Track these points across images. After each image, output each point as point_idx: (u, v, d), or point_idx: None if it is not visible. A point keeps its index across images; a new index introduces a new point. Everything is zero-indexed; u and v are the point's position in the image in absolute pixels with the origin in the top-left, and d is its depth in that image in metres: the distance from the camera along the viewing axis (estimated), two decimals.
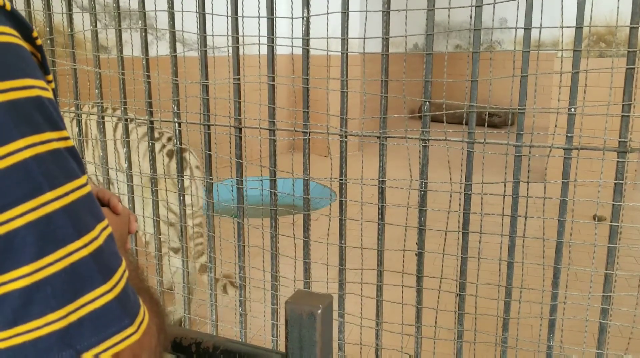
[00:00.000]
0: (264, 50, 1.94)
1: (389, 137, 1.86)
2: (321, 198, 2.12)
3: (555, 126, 1.72)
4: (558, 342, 1.82)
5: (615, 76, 1.68)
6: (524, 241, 1.78)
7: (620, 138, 1.58)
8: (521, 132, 1.69)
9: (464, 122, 1.78)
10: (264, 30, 1.92)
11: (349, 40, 1.83)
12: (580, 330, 1.83)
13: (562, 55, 1.67)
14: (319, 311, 0.68)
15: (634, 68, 1.53)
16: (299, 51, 2.04)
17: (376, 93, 1.83)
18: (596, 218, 2.07)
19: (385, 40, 1.76)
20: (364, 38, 1.76)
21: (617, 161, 1.59)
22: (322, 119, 2.50)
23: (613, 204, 1.62)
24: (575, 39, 1.57)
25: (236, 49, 1.98)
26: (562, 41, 1.91)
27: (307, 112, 1.92)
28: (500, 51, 10.27)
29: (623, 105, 1.56)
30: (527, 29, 1.60)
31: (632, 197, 4.95)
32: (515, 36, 2.06)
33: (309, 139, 1.94)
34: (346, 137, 1.90)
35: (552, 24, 7.42)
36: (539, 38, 1.62)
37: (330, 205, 4.40)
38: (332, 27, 2.24)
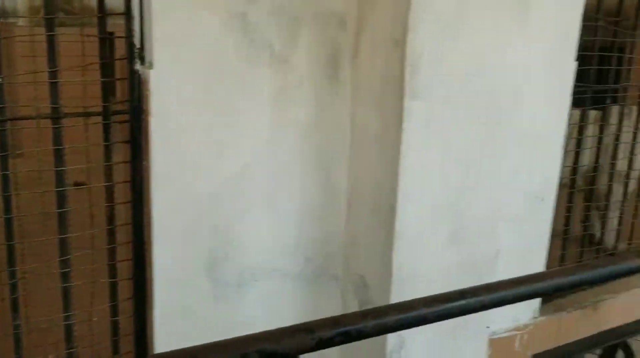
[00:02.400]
0: None
1: None
2: None
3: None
4: (24, 318, 1.75)
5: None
6: None
7: (52, 104, 1.58)
8: None
9: None
10: None
11: None
12: (45, 301, 1.81)
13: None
14: None
15: (54, 35, 1.52)
16: None
17: None
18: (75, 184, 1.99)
19: None
20: None
21: (54, 128, 1.59)
22: None
23: (55, 170, 1.62)
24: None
25: None
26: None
27: None
28: None
29: (49, 73, 1.55)
30: None
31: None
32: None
33: None
34: None
35: None
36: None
37: None
38: None
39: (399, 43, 1.60)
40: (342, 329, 0.87)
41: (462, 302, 0.97)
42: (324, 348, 0.83)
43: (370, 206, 1.88)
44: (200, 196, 1.79)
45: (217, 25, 1.64)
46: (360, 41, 1.82)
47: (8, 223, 1.63)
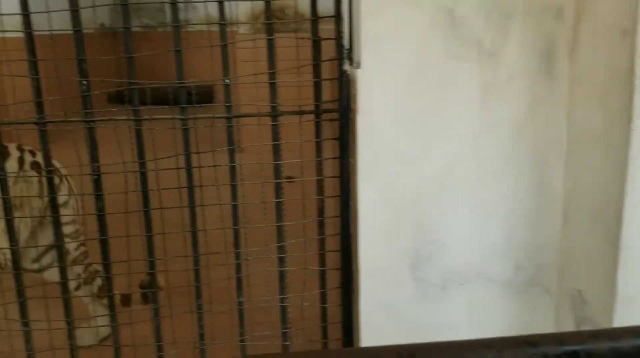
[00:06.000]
0: None
1: (48, 122, 1.72)
2: None
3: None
4: (246, 297, 1.96)
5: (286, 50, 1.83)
6: (203, 210, 1.85)
7: (271, 103, 1.74)
8: (184, 106, 1.73)
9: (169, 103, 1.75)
10: None
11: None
12: (269, 284, 2.00)
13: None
14: None
15: (273, 39, 1.68)
16: None
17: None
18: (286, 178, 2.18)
19: (26, 17, 1.61)
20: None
21: (272, 124, 1.76)
22: None
23: (274, 165, 1.79)
24: (219, 14, 1.66)
25: None
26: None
27: None
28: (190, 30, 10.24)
29: (270, 74, 1.72)
30: (174, 3, 1.63)
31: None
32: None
33: None
34: None
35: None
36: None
37: None
38: None
39: (628, 33, 1.41)
40: (568, 348, 0.78)
41: None
42: None
43: (591, 214, 1.69)
44: (405, 194, 1.80)
45: (424, 22, 1.63)
46: (579, 33, 1.65)
47: (234, 210, 1.85)
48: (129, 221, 1.87)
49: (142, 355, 2.00)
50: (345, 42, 1.66)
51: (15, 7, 1.64)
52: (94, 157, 1.75)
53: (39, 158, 2.28)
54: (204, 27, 2.10)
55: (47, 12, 1.65)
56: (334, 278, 1.99)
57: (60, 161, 1.79)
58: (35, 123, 1.71)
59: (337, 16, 1.63)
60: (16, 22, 1.66)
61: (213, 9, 1.70)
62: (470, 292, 1.90)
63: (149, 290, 1.92)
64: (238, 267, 1.91)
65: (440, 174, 1.77)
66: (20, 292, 1.83)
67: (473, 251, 1.87)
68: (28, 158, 2.32)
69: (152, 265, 1.87)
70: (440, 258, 1.86)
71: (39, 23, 1.68)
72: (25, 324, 1.86)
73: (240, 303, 1.94)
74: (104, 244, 1.83)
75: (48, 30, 1.69)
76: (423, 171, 1.75)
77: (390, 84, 1.66)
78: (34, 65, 1.65)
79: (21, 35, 1.65)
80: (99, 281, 2.45)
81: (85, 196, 1.82)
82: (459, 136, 1.74)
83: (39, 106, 1.70)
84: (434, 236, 1.82)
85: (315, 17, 1.66)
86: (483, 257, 1.89)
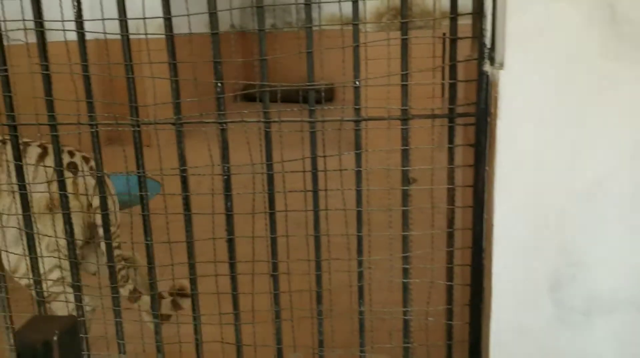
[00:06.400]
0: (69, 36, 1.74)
1: (184, 123, 1.77)
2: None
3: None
4: (368, 306, 1.89)
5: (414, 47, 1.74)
6: (327, 214, 1.81)
7: (401, 106, 1.66)
8: (313, 108, 1.70)
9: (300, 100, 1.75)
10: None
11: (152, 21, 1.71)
12: (389, 290, 1.92)
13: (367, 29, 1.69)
14: (55, 338, 0.60)
15: (407, 39, 1.60)
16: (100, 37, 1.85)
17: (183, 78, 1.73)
18: (410, 181, 2.11)
19: (167, 20, 1.66)
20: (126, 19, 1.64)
21: (402, 128, 1.67)
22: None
23: (402, 170, 1.70)
24: (353, 13, 1.61)
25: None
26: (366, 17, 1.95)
27: (92, 102, 1.76)
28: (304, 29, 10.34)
29: (402, 75, 1.64)
30: (308, 4, 1.60)
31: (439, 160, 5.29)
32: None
33: (97, 131, 1.78)
34: (139, 126, 1.77)
35: None
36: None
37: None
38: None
39: None
40: None
41: None
42: None
43: None
44: (548, 208, 1.63)
45: (578, 19, 1.47)
46: None
47: (359, 215, 1.79)
48: (252, 221, 1.88)
49: (262, 355, 2.01)
50: (487, 41, 1.53)
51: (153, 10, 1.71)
52: (225, 157, 1.78)
53: (77, 158, 2.37)
54: (329, 27, 2.07)
55: (187, 15, 1.69)
56: (459, 293, 1.87)
57: (190, 160, 1.82)
58: (173, 124, 1.76)
59: (479, 13, 1.51)
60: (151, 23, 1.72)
61: (337, 7, 1.65)
62: (618, 321, 1.70)
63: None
64: (360, 275, 1.85)
65: (589, 188, 1.58)
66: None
67: (623, 276, 1.67)
68: (65, 159, 2.30)
69: (275, 267, 1.86)
70: (585, 282, 1.68)
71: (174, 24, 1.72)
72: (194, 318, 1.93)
73: (361, 313, 1.88)
74: (230, 243, 1.85)
75: (188, 33, 1.74)
76: (570, 184, 1.58)
77: (537, 87, 1.51)
78: (174, 67, 1.70)
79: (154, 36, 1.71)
80: (130, 286, 2.47)
81: (215, 195, 1.84)
82: (615, 147, 1.55)
83: (177, 106, 1.75)
84: (579, 256, 1.64)
85: (455, 15, 1.55)
86: (635, 283, 1.67)
